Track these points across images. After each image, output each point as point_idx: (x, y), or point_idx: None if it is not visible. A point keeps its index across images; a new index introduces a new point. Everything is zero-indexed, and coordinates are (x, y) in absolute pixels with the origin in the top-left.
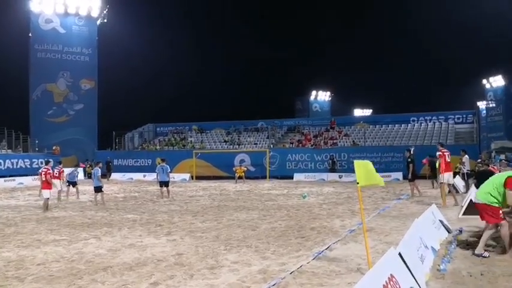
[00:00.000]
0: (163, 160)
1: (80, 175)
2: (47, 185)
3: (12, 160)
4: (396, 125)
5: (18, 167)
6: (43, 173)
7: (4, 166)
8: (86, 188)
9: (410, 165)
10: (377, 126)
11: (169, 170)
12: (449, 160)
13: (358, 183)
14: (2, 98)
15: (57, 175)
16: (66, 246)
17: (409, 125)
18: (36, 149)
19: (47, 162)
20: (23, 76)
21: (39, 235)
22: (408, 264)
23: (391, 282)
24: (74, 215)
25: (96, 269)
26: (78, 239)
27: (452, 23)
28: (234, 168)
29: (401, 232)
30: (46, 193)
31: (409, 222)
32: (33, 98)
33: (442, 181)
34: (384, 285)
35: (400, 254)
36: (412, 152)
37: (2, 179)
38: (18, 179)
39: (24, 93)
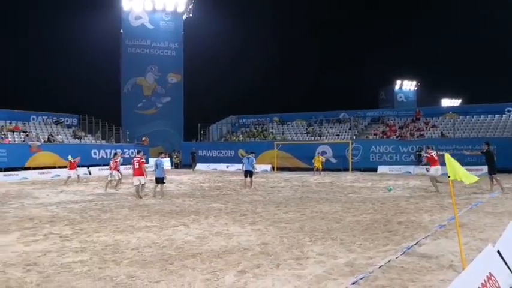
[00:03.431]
0: (251, 153)
1: (168, 164)
2: (140, 172)
3: (106, 150)
4: (489, 116)
5: (111, 156)
6: (136, 161)
7: (99, 156)
8: (173, 177)
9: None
10: (467, 116)
11: (254, 162)
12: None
13: (449, 176)
14: (97, 92)
15: (113, 166)
16: (157, 232)
17: (504, 115)
18: (127, 139)
19: (138, 152)
20: (115, 71)
21: (132, 221)
22: (508, 262)
23: (490, 281)
24: (163, 202)
25: (186, 255)
26: (168, 225)
27: None
28: (313, 160)
29: (497, 229)
30: (141, 179)
31: (505, 219)
32: (125, 92)
33: None
34: (482, 283)
35: (498, 252)
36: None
37: (97, 168)
38: None
39: (116, 87)
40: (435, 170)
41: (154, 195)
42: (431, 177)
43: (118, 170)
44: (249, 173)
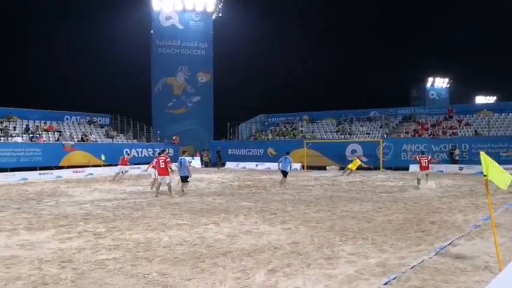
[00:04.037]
0: (287, 153)
1: (198, 163)
2: (165, 171)
3: (137, 149)
4: None
5: (143, 155)
6: (161, 160)
7: (130, 155)
8: (203, 175)
9: None
10: (503, 114)
11: (291, 162)
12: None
13: (485, 175)
14: (128, 92)
15: (153, 165)
16: (188, 230)
17: None
18: (158, 139)
19: (163, 151)
20: (146, 71)
21: (164, 219)
22: None
23: None
24: (193, 201)
25: (216, 253)
26: (198, 224)
27: None
28: (350, 165)
29: None
30: (166, 179)
31: None
32: (155, 91)
33: None
34: None
35: None
36: None
37: (128, 167)
38: (143, 167)
39: (147, 87)
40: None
41: (181, 194)
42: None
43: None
44: (284, 173)
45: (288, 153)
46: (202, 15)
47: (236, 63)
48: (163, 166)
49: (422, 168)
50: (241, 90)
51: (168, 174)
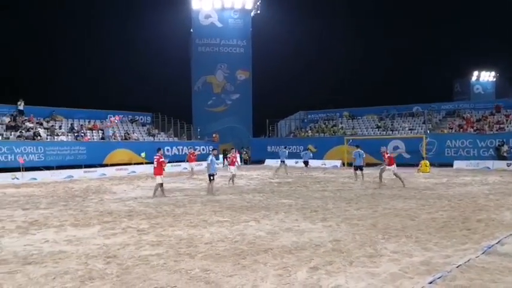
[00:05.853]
0: (357, 146)
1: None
2: (159, 170)
3: (178, 147)
4: None
5: (183, 153)
6: (155, 160)
7: (171, 152)
8: (243, 173)
9: None
10: None
11: (364, 156)
12: None
13: None
14: (169, 91)
15: (236, 159)
16: (229, 227)
17: None
18: (198, 136)
19: (158, 150)
20: (186, 70)
21: (205, 216)
22: None
23: None
24: (234, 198)
25: (257, 250)
26: (239, 221)
27: None
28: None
29: None
30: (158, 178)
31: None
32: (195, 90)
33: None
34: None
35: None
36: None
37: (169, 164)
38: (184, 165)
39: (187, 86)
40: (394, 167)
41: (206, 192)
42: (396, 173)
43: (234, 165)
44: (359, 167)
45: (357, 146)
46: (241, 12)
47: (275, 60)
48: (156, 166)
49: (393, 162)
50: (280, 87)
51: (161, 174)
